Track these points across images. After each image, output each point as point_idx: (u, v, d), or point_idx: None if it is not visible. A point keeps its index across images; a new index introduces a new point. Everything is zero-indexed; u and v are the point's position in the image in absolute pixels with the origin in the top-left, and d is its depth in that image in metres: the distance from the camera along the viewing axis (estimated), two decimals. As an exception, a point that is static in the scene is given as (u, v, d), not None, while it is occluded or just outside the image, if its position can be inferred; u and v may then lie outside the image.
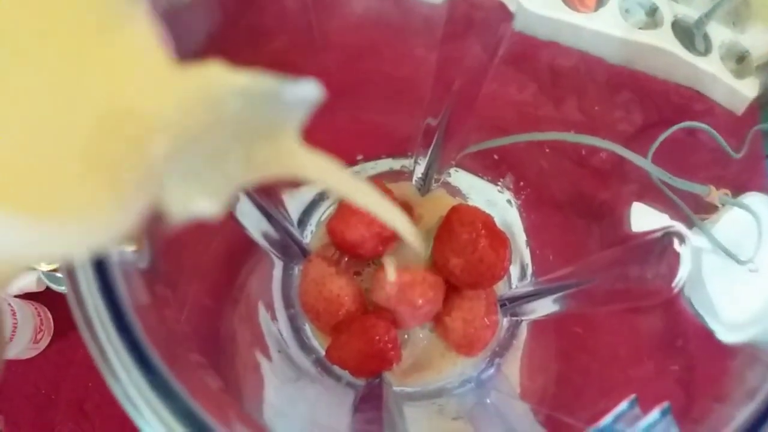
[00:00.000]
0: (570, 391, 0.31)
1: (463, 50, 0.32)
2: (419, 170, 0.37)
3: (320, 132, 0.38)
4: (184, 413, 0.15)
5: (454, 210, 0.34)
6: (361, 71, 0.36)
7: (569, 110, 0.38)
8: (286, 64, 0.31)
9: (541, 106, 0.38)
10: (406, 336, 0.35)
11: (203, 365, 0.19)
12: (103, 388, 0.42)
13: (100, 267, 0.15)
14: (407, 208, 0.37)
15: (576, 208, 0.37)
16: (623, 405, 0.20)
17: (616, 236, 0.35)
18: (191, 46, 0.24)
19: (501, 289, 0.36)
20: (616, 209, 0.36)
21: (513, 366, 0.34)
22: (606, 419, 0.20)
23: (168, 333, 0.17)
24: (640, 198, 0.35)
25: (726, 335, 0.27)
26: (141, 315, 0.16)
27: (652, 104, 0.37)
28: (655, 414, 0.18)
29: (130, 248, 0.17)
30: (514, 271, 0.36)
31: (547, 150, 0.38)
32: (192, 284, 0.25)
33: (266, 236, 0.31)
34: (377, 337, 0.31)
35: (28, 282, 0.49)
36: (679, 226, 0.28)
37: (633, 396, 0.20)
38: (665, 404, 0.18)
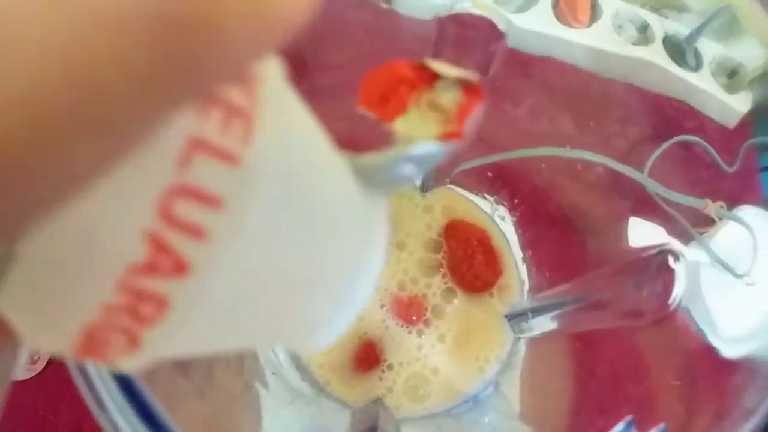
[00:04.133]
0: (569, 410, 0.31)
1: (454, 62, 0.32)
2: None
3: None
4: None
5: (450, 226, 0.34)
6: (353, 88, 0.36)
7: (564, 125, 0.38)
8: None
9: (535, 121, 0.38)
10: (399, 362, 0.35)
11: (191, 390, 0.19)
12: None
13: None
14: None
15: (572, 223, 0.37)
16: (620, 426, 0.20)
17: (612, 252, 0.35)
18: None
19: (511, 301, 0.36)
20: (613, 224, 0.36)
21: (511, 385, 0.34)
22: (602, 440, 0.20)
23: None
24: (637, 212, 0.35)
25: (725, 349, 0.27)
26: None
27: (647, 119, 0.37)
28: (650, 435, 0.18)
29: None
30: (510, 288, 0.36)
31: (543, 166, 0.38)
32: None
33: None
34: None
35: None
36: (674, 243, 0.28)
37: (629, 417, 0.20)
38: (661, 426, 0.18)
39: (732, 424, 0.19)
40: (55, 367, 0.50)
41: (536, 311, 0.33)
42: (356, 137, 0.39)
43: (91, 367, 0.15)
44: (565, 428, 0.29)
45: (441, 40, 0.31)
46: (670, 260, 0.25)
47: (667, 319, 0.27)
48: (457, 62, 0.32)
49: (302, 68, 0.33)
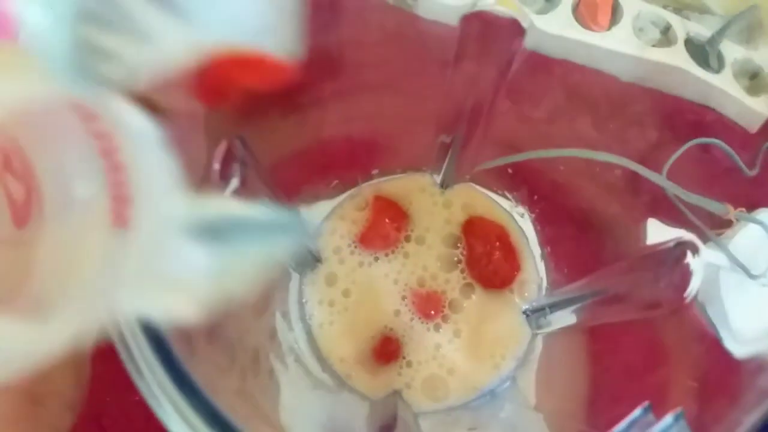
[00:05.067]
0: (584, 400, 0.31)
1: (476, 68, 0.33)
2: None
3: (338, 149, 0.39)
4: (207, 411, 0.16)
5: (469, 222, 0.35)
6: (376, 89, 0.36)
7: (583, 127, 0.38)
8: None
9: (554, 123, 0.39)
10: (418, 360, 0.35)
11: (221, 367, 0.19)
12: (122, 404, 0.43)
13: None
14: (400, 210, 0.38)
15: (591, 222, 0.38)
16: (637, 411, 0.20)
17: (630, 249, 0.35)
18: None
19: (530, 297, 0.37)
20: (630, 225, 0.36)
21: (527, 380, 0.34)
22: (620, 426, 0.20)
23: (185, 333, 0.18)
24: (654, 214, 0.35)
25: (738, 349, 0.27)
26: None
27: (666, 121, 0.37)
28: (668, 419, 0.18)
29: None
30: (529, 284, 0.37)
31: (562, 167, 0.39)
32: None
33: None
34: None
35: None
36: (692, 237, 0.28)
37: (647, 403, 0.20)
38: (678, 410, 0.18)
39: (741, 413, 0.19)
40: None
41: (555, 306, 0.33)
42: (378, 135, 0.39)
43: (129, 335, 0.16)
44: (580, 418, 0.29)
45: (464, 38, 0.31)
46: (689, 253, 0.26)
47: (682, 311, 0.27)
48: (479, 61, 0.33)
49: (330, 71, 0.33)
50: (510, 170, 0.38)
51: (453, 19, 0.31)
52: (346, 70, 0.34)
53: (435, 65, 0.34)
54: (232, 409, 0.16)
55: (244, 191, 0.26)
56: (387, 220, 0.37)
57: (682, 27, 0.37)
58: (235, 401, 0.19)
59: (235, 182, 0.25)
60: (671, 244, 0.26)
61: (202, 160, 0.24)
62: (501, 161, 0.37)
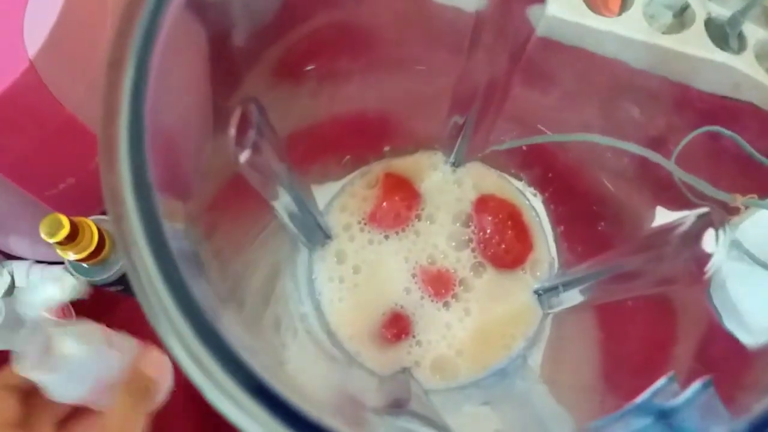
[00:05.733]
0: (599, 375, 0.31)
1: (491, 50, 0.32)
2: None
3: (351, 125, 0.38)
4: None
5: (481, 200, 0.35)
6: (391, 67, 0.36)
7: (592, 114, 0.38)
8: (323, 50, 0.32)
9: (564, 109, 0.38)
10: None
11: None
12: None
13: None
14: (410, 188, 0.38)
15: (603, 203, 0.37)
16: (661, 381, 0.20)
17: (641, 233, 0.35)
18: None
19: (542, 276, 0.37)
20: (640, 211, 0.36)
21: (538, 358, 0.34)
22: (644, 395, 0.20)
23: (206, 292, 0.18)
24: (662, 203, 0.35)
25: (747, 338, 0.27)
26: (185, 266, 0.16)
27: (675, 109, 0.37)
28: (696, 386, 0.18)
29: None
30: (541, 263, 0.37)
31: (571, 151, 0.39)
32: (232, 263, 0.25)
33: (293, 218, 0.31)
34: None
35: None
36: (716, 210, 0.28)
37: (672, 372, 0.20)
38: (707, 377, 0.18)
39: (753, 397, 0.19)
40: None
41: (568, 285, 0.33)
42: (391, 113, 0.39)
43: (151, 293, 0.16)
44: (599, 390, 0.29)
45: (479, 25, 0.31)
46: (714, 225, 0.25)
47: (695, 288, 0.27)
48: (492, 47, 0.33)
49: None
50: (524, 148, 0.37)
51: (471, 7, 0.30)
52: (362, 48, 0.34)
53: (450, 46, 0.34)
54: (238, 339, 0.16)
55: (257, 161, 0.26)
56: (397, 198, 0.37)
57: (701, 7, 0.37)
58: (243, 334, 0.19)
59: (247, 153, 0.25)
60: (693, 217, 0.26)
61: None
62: (513, 144, 0.37)
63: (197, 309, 0.16)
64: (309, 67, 0.32)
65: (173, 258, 0.16)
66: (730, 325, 0.29)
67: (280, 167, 0.28)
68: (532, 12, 0.30)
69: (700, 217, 0.25)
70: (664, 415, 0.19)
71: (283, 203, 0.29)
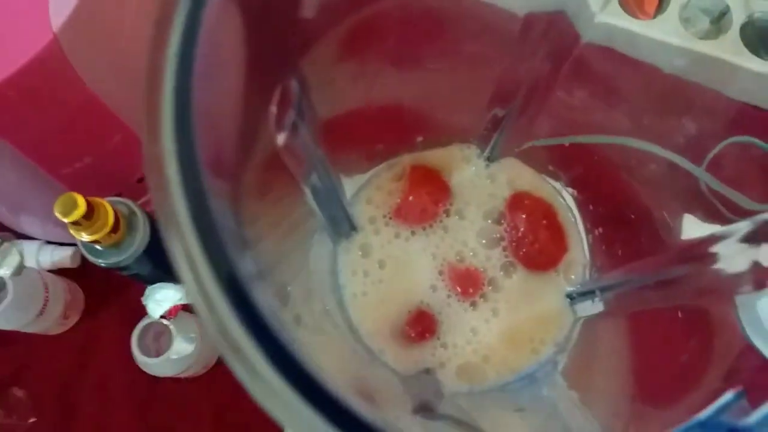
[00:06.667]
0: (634, 380, 0.30)
1: (536, 53, 0.32)
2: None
3: (387, 113, 0.37)
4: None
5: (515, 198, 0.33)
6: (433, 57, 0.35)
7: (620, 118, 0.37)
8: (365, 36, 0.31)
9: (591, 112, 0.38)
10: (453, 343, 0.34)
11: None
12: (129, 369, 0.41)
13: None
14: (439, 181, 0.37)
15: (642, 208, 0.36)
16: (728, 396, 0.19)
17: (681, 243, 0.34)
18: None
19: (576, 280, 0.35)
20: (666, 220, 0.35)
21: (568, 363, 0.33)
22: (707, 411, 0.19)
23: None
24: (689, 211, 0.34)
25: None
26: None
27: (707, 116, 0.36)
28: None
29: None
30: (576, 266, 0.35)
31: (596, 158, 0.38)
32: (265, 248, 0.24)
33: (322, 206, 0.30)
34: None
35: (62, 257, 0.48)
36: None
37: (740, 388, 0.19)
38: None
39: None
40: (86, 326, 0.49)
41: (605, 290, 0.32)
42: (429, 103, 0.38)
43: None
44: (626, 401, 0.28)
45: (527, 26, 0.30)
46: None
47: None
48: (539, 48, 0.32)
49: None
50: (566, 146, 0.36)
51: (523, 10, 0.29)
52: (417, 37, 0.33)
53: (496, 42, 0.33)
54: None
55: (292, 146, 0.24)
56: (424, 193, 0.36)
57: (742, 9, 0.36)
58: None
59: (283, 136, 0.24)
60: (743, 230, 0.25)
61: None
62: (554, 141, 0.36)
63: (239, 282, 0.15)
64: (363, 52, 0.31)
65: (219, 235, 0.15)
66: (756, 340, 0.28)
67: (316, 152, 0.27)
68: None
69: (756, 222, 0.24)
70: (737, 435, 0.18)
71: (315, 189, 0.28)
